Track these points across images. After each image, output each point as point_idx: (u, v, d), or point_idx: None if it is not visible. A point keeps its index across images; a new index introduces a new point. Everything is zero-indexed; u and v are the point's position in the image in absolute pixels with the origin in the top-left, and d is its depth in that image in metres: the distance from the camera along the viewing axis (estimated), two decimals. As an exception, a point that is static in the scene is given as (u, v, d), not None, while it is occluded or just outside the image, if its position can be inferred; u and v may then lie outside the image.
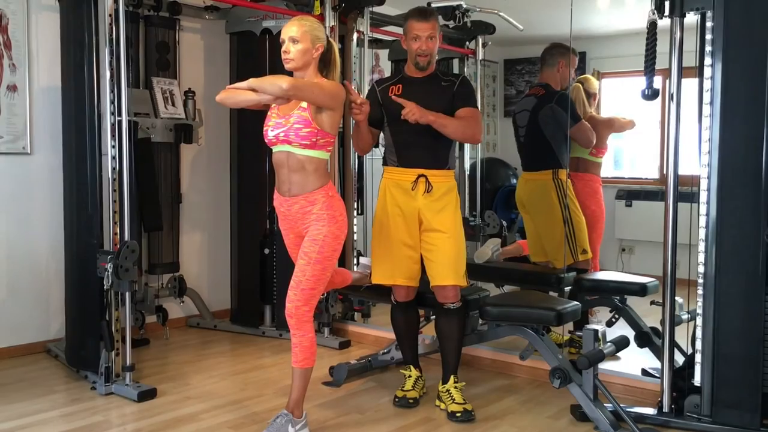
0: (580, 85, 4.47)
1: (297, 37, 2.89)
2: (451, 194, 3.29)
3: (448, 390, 3.25)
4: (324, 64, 2.99)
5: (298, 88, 2.77)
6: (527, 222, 4.39)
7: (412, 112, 3.13)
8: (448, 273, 3.21)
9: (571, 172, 4.38)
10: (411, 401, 3.35)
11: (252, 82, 2.77)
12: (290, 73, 2.94)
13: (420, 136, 3.23)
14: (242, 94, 2.81)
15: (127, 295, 3.46)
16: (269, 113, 3.00)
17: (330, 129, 2.90)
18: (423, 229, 3.27)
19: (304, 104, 2.87)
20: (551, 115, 4.12)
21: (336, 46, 3.06)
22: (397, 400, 3.37)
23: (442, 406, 3.28)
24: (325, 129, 2.88)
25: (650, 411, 3.14)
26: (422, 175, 3.25)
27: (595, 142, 4.29)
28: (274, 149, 2.97)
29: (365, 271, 3.64)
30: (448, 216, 3.25)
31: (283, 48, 2.91)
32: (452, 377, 3.27)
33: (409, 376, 3.45)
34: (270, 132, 2.95)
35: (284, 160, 2.93)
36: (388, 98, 3.30)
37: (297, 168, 2.91)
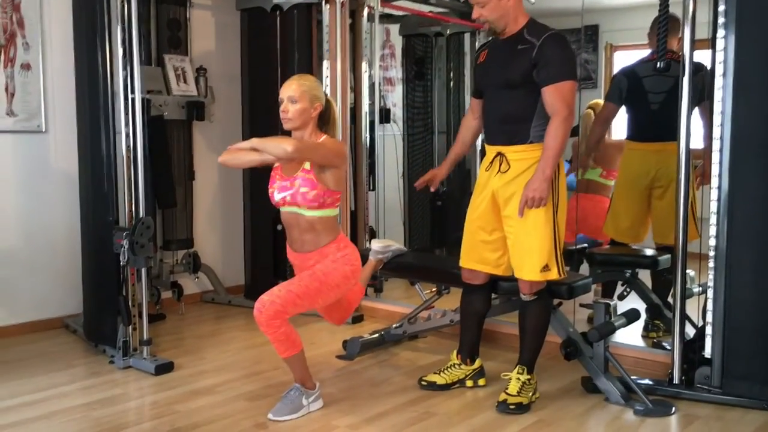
0: (591, 111, 4.41)
1: (296, 96, 2.90)
2: (527, 173, 2.92)
3: (510, 377, 3.09)
4: (323, 122, 3.00)
5: (302, 151, 2.80)
6: (642, 198, 3.95)
7: (527, 203, 2.86)
8: (520, 265, 2.99)
9: (580, 193, 4.32)
10: (424, 384, 3.26)
11: (255, 142, 2.80)
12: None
13: (494, 107, 3.02)
14: (246, 155, 2.86)
15: (143, 270, 3.51)
16: (273, 173, 3.03)
17: (336, 186, 2.93)
18: (503, 215, 3.03)
19: (307, 165, 2.89)
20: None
21: (334, 104, 3.08)
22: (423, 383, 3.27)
23: (481, 382, 3.26)
24: (331, 187, 2.91)
25: (660, 382, 3.17)
26: (500, 153, 2.99)
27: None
28: (282, 209, 3.01)
29: (377, 257, 3.68)
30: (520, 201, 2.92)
31: (282, 107, 2.92)
32: (518, 366, 3.09)
33: (451, 363, 3.29)
34: (276, 195, 2.98)
35: (294, 221, 2.98)
36: (477, 65, 3.14)
37: (308, 228, 2.96)
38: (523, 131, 2.95)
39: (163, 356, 3.58)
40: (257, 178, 4.76)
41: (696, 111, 3.31)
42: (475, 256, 3.13)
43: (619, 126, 4.43)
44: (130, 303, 3.51)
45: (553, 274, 2.97)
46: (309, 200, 2.90)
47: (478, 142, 5.28)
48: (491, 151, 3.03)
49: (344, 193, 3.33)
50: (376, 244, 3.74)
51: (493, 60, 3.03)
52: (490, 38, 3.13)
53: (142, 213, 3.47)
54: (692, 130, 3.10)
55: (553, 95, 2.86)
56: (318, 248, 2.97)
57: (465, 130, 3.32)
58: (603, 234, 4.27)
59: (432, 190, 3.34)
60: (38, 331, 4.11)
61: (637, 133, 4.00)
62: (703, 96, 3.13)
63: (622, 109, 4.05)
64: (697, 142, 3.37)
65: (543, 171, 2.84)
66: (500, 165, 2.98)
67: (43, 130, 4.15)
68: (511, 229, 2.99)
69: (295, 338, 2.87)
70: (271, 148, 2.78)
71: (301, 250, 3.01)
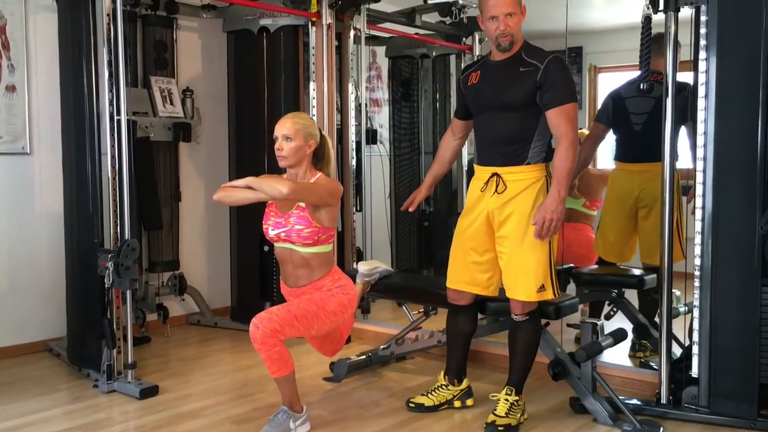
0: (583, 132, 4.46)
1: (290, 134, 2.92)
2: (525, 194, 2.92)
3: (498, 398, 3.07)
4: (318, 159, 3.02)
5: (298, 192, 2.83)
6: (628, 218, 3.95)
7: (544, 230, 2.84)
8: (514, 286, 2.98)
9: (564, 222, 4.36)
10: (412, 405, 3.24)
11: (250, 181, 2.83)
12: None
13: (490, 129, 3.00)
14: (240, 192, 2.88)
15: (128, 293, 3.48)
16: (267, 210, 3.05)
17: (329, 224, 2.96)
18: (497, 235, 3.00)
19: (302, 203, 2.92)
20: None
21: (329, 141, 3.09)
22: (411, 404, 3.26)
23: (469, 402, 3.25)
24: (325, 224, 2.94)
25: (648, 402, 3.17)
26: (495, 174, 2.97)
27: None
28: (276, 245, 3.02)
29: (363, 280, 3.67)
30: (518, 221, 2.92)
31: (276, 145, 2.94)
32: (506, 387, 3.07)
33: (439, 384, 3.27)
34: (271, 231, 3.00)
35: (288, 257, 3.00)
36: (468, 87, 3.08)
37: (302, 264, 2.98)
38: (520, 152, 2.93)
39: (149, 380, 3.54)
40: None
41: (683, 131, 3.35)
42: (466, 278, 3.11)
43: (603, 154, 4.48)
44: (114, 326, 3.47)
45: (549, 294, 2.97)
46: (303, 237, 2.92)
47: (465, 161, 5.36)
48: (485, 171, 3.01)
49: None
50: (362, 267, 3.72)
51: (489, 82, 3.00)
52: (477, 59, 3.13)
53: (127, 235, 3.44)
54: (679, 150, 3.12)
55: (559, 117, 2.85)
56: (312, 282, 2.99)
57: (444, 150, 3.32)
58: (587, 263, 4.30)
59: (411, 210, 3.32)
60: (21, 355, 4.06)
61: (622, 153, 4.04)
62: (686, 115, 3.16)
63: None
64: (686, 162, 3.40)
65: (558, 193, 2.84)
66: (497, 186, 2.96)
67: (28, 152, 4.12)
68: (506, 249, 2.97)
69: (287, 359, 2.86)
70: (267, 188, 2.80)
71: (295, 285, 3.02)
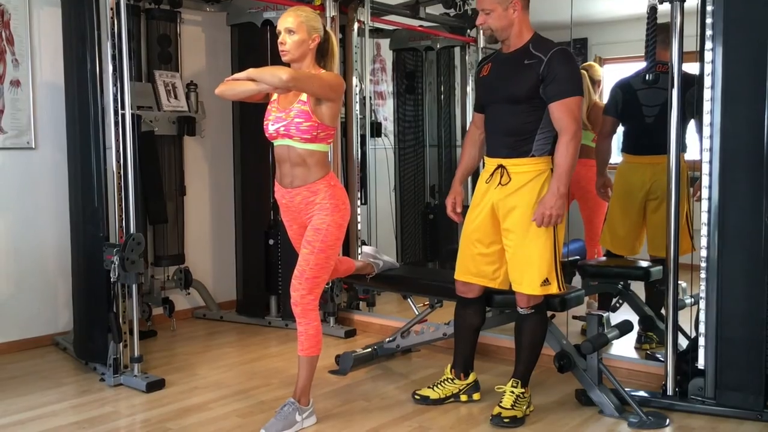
0: (585, 72, 4.43)
1: (293, 27, 2.87)
2: (528, 186, 2.92)
3: (504, 391, 3.07)
4: (321, 55, 2.97)
5: (298, 80, 2.75)
6: (638, 212, 3.94)
7: (543, 219, 2.84)
8: (519, 279, 2.97)
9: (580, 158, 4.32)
10: (417, 398, 3.25)
11: (251, 72, 2.76)
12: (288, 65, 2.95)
13: (497, 121, 2.99)
14: (241, 84, 2.81)
15: (134, 287, 3.49)
16: (269, 107, 3.00)
17: (330, 121, 2.90)
18: (502, 228, 3.00)
19: (304, 97, 2.86)
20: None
21: (333, 36, 3.03)
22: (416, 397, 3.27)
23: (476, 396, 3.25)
24: (326, 122, 2.88)
25: (654, 394, 3.17)
26: (500, 166, 2.97)
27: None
28: (275, 143, 2.98)
29: (368, 260, 3.67)
30: (522, 213, 2.92)
31: (279, 39, 2.90)
32: (512, 380, 3.07)
33: (445, 377, 3.27)
34: (270, 126, 2.95)
35: (285, 155, 2.95)
36: (479, 79, 3.10)
37: (299, 162, 2.92)
38: (525, 145, 2.93)
39: (155, 373, 3.55)
40: (249, 193, 4.76)
41: (692, 124, 3.32)
42: (472, 269, 3.11)
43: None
44: (120, 320, 3.48)
45: (553, 288, 2.96)
46: (302, 131, 2.86)
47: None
48: (492, 163, 3.01)
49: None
50: (367, 248, 3.76)
51: (497, 75, 3.00)
52: (494, 51, 3.12)
53: (132, 229, 3.45)
54: (689, 142, 3.10)
55: (561, 111, 2.84)
56: (307, 184, 2.92)
57: (470, 146, 3.25)
58: (593, 198, 4.24)
59: (459, 210, 3.22)
60: (27, 349, 4.07)
61: (632, 146, 4.00)
62: (698, 108, 3.12)
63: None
64: (696, 154, 3.37)
65: (558, 189, 2.83)
66: (501, 177, 2.96)
67: (33, 146, 4.13)
68: (511, 242, 2.97)
69: (320, 340, 2.92)
70: (267, 76, 2.73)
71: (291, 186, 2.95)
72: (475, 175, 3.31)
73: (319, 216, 2.92)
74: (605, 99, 4.49)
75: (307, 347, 2.91)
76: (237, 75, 2.83)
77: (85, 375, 3.65)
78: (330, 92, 2.86)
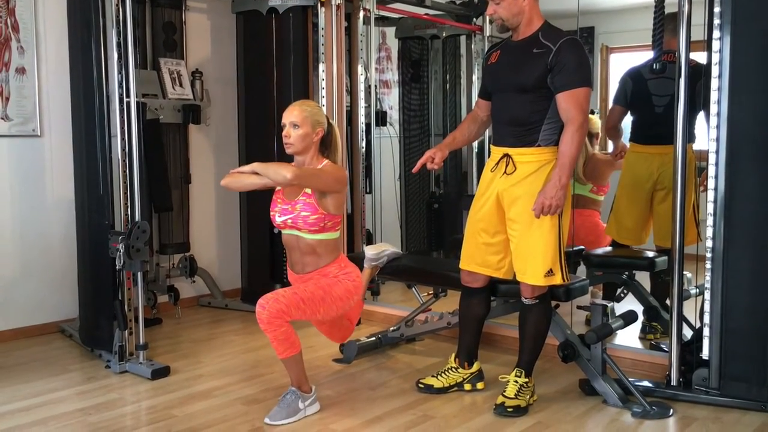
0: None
1: (297, 122, 2.92)
2: (534, 176, 2.89)
3: (508, 380, 3.07)
4: (325, 146, 3.02)
5: (302, 178, 2.84)
6: (645, 202, 3.91)
7: (543, 211, 2.81)
8: (524, 269, 2.96)
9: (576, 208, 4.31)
10: (421, 386, 3.26)
11: (256, 167, 2.85)
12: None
13: (504, 109, 2.97)
14: (247, 178, 2.89)
15: (139, 275, 3.50)
16: (274, 197, 3.06)
17: (336, 211, 2.97)
18: (507, 217, 2.99)
19: (309, 189, 2.92)
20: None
21: (337, 129, 3.08)
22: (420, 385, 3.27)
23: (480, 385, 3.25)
24: (331, 212, 2.95)
25: (658, 384, 3.17)
26: (506, 155, 2.95)
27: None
28: (283, 232, 3.04)
29: (371, 264, 3.67)
30: (526, 203, 2.89)
31: (284, 132, 2.95)
32: (516, 369, 3.07)
33: (449, 366, 3.27)
34: (278, 217, 3.01)
35: (295, 244, 3.01)
36: (487, 66, 3.08)
37: (308, 251, 2.99)
38: (532, 134, 2.90)
39: (160, 360, 3.57)
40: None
41: (702, 115, 3.29)
42: (477, 259, 3.10)
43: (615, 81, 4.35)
44: (126, 307, 3.49)
45: (557, 279, 2.94)
46: (309, 224, 2.93)
47: (475, 144, 5.33)
48: (497, 152, 3.00)
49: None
50: (369, 252, 3.71)
51: (505, 63, 2.98)
52: (503, 39, 3.09)
53: (138, 217, 3.46)
54: (698, 133, 3.08)
55: (568, 102, 2.82)
56: (318, 268, 3.00)
57: (470, 121, 3.22)
58: (595, 248, 4.27)
59: (436, 167, 3.12)
60: (33, 336, 4.09)
61: (641, 135, 3.97)
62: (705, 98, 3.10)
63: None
64: (704, 144, 3.36)
65: (559, 179, 2.81)
66: (506, 166, 2.94)
67: (38, 134, 4.13)
68: (515, 232, 2.96)
69: (294, 339, 2.88)
70: (272, 174, 2.82)
71: (302, 272, 3.03)
72: (481, 165, 3.31)
73: (330, 278, 3.00)
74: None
75: (283, 350, 2.87)
76: (242, 168, 2.93)
77: (91, 362, 3.67)
78: (334, 185, 2.93)
